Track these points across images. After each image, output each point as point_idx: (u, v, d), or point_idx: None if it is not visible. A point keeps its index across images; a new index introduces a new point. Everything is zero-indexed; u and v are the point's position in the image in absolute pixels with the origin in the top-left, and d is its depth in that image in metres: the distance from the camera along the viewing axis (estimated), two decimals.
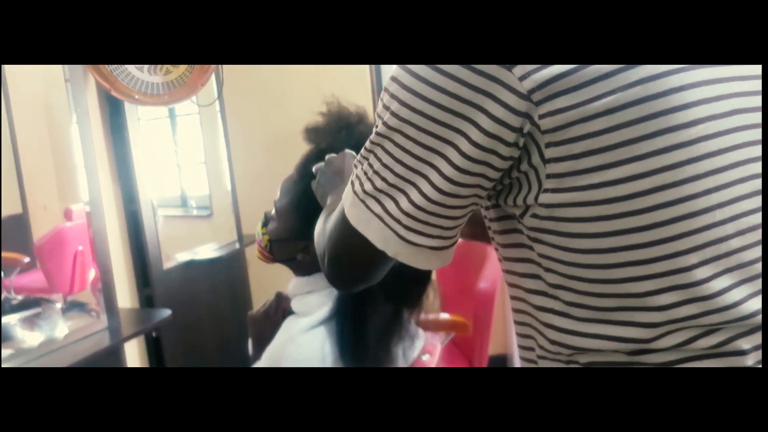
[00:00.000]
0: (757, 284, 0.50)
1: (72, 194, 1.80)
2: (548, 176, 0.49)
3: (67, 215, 1.79)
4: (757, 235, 0.50)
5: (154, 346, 2.12)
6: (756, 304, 0.50)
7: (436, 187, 0.51)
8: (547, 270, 0.54)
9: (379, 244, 0.55)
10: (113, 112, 1.98)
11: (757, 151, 0.50)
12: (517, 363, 2.25)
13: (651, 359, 0.52)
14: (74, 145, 1.73)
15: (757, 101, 0.50)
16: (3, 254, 1.69)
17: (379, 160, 0.54)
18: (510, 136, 0.48)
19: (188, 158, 2.59)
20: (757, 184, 0.50)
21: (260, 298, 2.76)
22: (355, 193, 0.57)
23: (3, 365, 1.42)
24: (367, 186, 0.56)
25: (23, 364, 1.46)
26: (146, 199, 2.07)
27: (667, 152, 0.46)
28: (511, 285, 0.61)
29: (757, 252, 0.50)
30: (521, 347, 0.63)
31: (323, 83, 2.45)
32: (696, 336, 0.50)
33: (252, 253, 2.72)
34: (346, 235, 0.58)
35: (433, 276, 0.99)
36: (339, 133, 0.90)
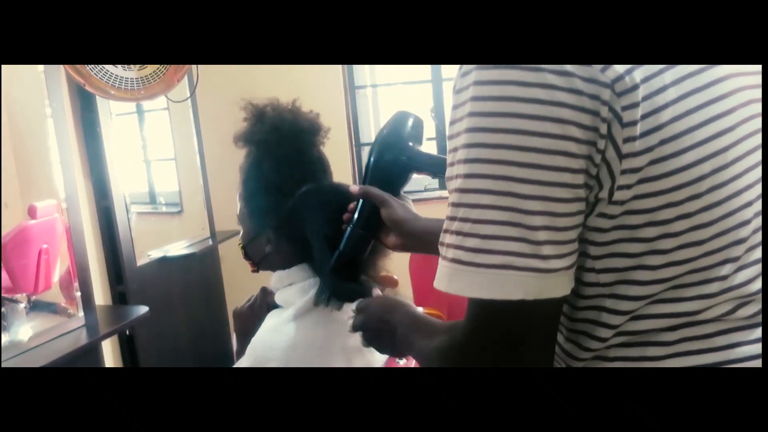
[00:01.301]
0: None
1: (36, 190, 1.73)
2: (623, 171, 0.48)
3: (31, 212, 1.72)
4: None
5: (128, 344, 2.06)
6: None
7: (560, 199, 0.48)
8: (603, 270, 0.53)
9: (516, 293, 0.47)
10: (85, 106, 1.91)
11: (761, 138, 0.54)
12: None
13: (693, 332, 0.52)
14: (41, 139, 1.65)
15: (757, 93, 0.53)
16: None
17: (478, 206, 0.48)
18: (603, 127, 0.47)
19: (157, 154, 2.52)
20: None
21: (234, 295, 2.72)
22: (456, 261, 0.49)
23: None
24: (472, 242, 0.48)
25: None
26: (119, 195, 1.99)
27: (719, 137, 0.49)
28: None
29: None
30: (561, 352, 0.60)
31: (296, 79, 2.41)
32: (738, 306, 0.52)
33: (225, 250, 2.68)
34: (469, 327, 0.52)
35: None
36: (255, 126, 0.95)
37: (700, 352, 0.52)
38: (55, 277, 1.75)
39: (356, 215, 0.87)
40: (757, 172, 0.52)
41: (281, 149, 0.93)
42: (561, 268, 0.49)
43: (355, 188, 0.86)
